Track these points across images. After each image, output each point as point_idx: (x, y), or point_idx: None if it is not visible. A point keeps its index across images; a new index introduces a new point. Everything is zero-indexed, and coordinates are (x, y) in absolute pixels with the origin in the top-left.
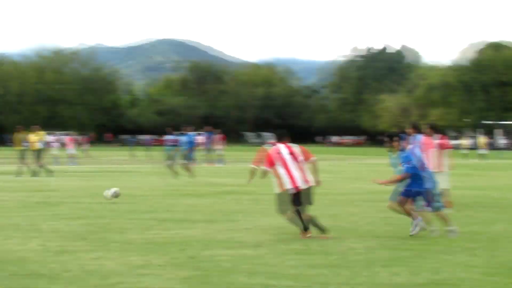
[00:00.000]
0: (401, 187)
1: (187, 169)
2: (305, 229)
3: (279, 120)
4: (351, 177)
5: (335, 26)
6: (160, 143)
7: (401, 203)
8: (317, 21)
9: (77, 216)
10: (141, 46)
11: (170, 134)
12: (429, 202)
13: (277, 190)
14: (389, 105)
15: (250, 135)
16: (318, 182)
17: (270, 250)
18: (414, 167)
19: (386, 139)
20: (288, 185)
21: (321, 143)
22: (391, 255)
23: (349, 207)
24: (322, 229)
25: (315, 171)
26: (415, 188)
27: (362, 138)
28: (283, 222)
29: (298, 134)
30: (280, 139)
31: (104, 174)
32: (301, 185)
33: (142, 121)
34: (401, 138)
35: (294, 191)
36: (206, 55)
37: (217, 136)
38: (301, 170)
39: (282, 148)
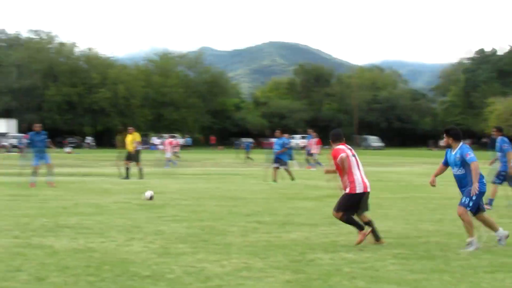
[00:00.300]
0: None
1: (287, 172)
2: (361, 228)
3: (384, 123)
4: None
5: (444, 28)
6: (264, 146)
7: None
8: (427, 23)
9: (180, 219)
10: (248, 49)
11: (278, 137)
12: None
13: (347, 191)
14: (498, 108)
15: (358, 138)
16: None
17: (372, 254)
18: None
19: (443, 135)
20: (359, 189)
21: (429, 146)
22: (495, 261)
23: (455, 212)
24: (377, 236)
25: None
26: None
27: (468, 141)
28: (387, 226)
29: (405, 137)
30: (338, 140)
31: (208, 176)
32: (369, 189)
33: (248, 124)
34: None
35: (363, 194)
36: (314, 58)
37: (314, 140)
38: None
39: (347, 149)
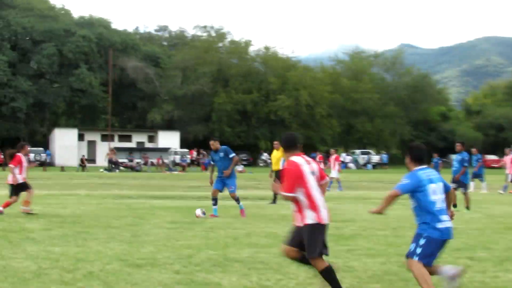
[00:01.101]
0: None
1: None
2: None
3: None
4: None
5: None
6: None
7: None
8: None
9: (375, 253)
10: (458, 46)
11: (459, 151)
12: None
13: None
14: None
15: None
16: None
17: None
18: None
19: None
20: (312, 218)
21: None
22: None
23: None
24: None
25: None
26: None
27: None
28: None
29: None
30: (291, 148)
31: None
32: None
33: (457, 137)
34: None
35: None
36: None
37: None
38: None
39: (305, 163)
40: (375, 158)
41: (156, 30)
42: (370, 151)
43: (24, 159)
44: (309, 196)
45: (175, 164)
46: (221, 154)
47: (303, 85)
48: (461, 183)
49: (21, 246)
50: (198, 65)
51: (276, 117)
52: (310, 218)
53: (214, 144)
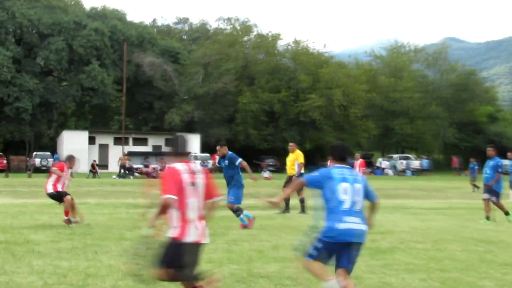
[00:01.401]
0: None
1: (497, 206)
2: None
3: None
4: None
5: None
6: None
7: None
8: None
9: (414, 268)
10: (507, 40)
11: (491, 156)
12: None
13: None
14: None
15: None
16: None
17: None
18: None
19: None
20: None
21: None
22: None
23: None
24: None
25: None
26: None
27: None
28: None
29: None
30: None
31: (451, 211)
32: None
33: (507, 140)
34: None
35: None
36: None
37: None
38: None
39: (184, 171)
40: (415, 164)
41: (175, 23)
42: (409, 155)
43: (66, 170)
44: (181, 207)
45: None
46: (226, 162)
47: (336, 84)
48: (493, 192)
49: (26, 260)
50: (221, 61)
51: (306, 118)
52: (172, 231)
53: (220, 149)
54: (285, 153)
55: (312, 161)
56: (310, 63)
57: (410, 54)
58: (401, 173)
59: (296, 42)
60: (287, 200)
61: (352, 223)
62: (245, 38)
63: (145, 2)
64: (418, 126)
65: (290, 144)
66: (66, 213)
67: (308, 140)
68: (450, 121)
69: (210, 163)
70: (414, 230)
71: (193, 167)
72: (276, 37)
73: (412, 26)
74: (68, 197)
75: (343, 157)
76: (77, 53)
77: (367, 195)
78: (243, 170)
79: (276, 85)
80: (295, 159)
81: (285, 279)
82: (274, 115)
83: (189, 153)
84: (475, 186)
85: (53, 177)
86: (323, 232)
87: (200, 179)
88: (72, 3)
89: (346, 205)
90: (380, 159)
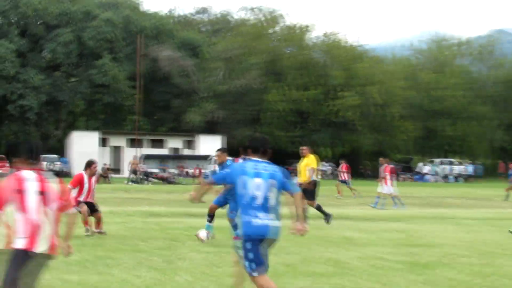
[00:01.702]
0: None
1: None
2: None
3: None
4: None
5: None
6: None
7: None
8: None
9: (458, 284)
10: None
11: None
12: None
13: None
14: None
15: None
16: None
17: None
18: None
19: None
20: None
21: None
22: None
23: None
24: None
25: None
26: None
27: None
28: None
29: None
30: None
31: (500, 222)
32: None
33: None
34: None
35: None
36: None
37: None
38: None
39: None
40: (459, 169)
41: (194, 13)
42: (452, 160)
43: (86, 179)
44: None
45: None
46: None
47: (372, 81)
48: None
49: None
50: (245, 55)
51: (339, 119)
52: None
53: (220, 156)
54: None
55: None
56: (343, 58)
57: (454, 48)
58: (443, 179)
59: (327, 35)
60: (305, 211)
61: (265, 219)
62: (271, 30)
63: None
64: (463, 127)
65: (302, 147)
66: (86, 223)
67: (342, 143)
68: (498, 122)
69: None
70: (459, 243)
71: (45, 176)
72: (305, 29)
73: (456, 17)
74: (84, 208)
75: (260, 150)
76: (87, 46)
77: (286, 188)
78: None
79: (305, 81)
80: (306, 164)
81: None
82: (303, 115)
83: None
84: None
85: (75, 189)
86: (242, 230)
87: (51, 190)
88: None
89: (259, 201)
90: (420, 164)
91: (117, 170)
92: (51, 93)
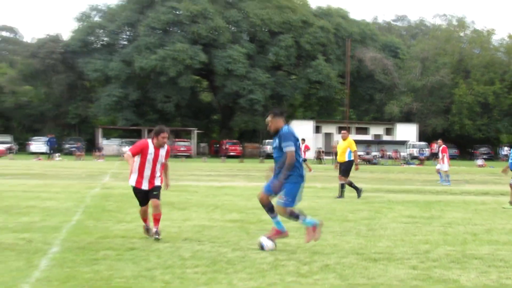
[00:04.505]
0: None
1: None
2: None
3: None
4: None
5: None
6: None
7: None
8: None
9: None
10: None
11: None
12: None
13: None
14: None
15: None
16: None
17: None
18: None
19: None
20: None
21: None
22: None
23: None
24: None
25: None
26: None
27: None
28: None
29: None
30: None
31: None
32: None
33: None
34: None
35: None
36: None
37: None
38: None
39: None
40: None
41: (394, 20)
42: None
43: (151, 149)
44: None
45: (412, 157)
46: (277, 141)
47: None
48: None
49: (258, 238)
50: (438, 55)
51: None
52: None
53: (272, 121)
54: (498, 142)
55: None
56: None
57: None
58: None
59: (510, 37)
60: (343, 187)
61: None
62: (461, 34)
63: (366, 1)
64: None
65: (343, 131)
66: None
67: None
68: None
69: (427, 151)
70: None
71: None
72: (490, 33)
73: None
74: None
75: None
76: (304, 49)
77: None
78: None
79: (490, 77)
80: (347, 146)
81: (498, 261)
82: (488, 106)
83: None
84: None
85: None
86: None
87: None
88: (300, 3)
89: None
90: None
91: (328, 153)
92: (274, 89)
